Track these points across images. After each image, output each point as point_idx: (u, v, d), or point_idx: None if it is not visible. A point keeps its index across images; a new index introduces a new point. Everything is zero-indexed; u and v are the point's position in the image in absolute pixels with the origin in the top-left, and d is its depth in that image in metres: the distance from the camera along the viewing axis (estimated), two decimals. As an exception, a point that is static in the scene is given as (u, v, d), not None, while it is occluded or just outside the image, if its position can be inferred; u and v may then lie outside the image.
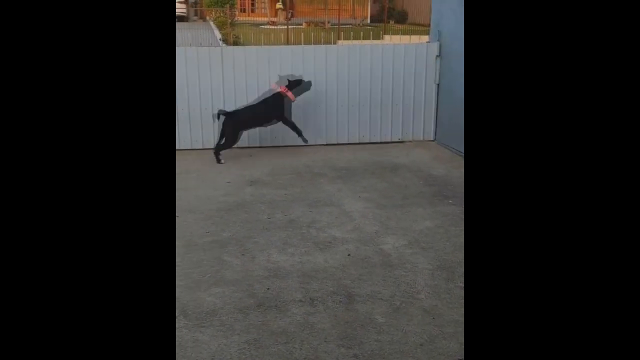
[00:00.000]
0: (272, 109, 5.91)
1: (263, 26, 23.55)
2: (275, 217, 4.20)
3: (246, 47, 6.22)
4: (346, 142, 6.56)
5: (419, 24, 23.77)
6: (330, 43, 17.77)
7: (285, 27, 19.79)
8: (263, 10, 28.15)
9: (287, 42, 17.50)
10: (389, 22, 23.92)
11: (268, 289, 3.09)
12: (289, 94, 5.92)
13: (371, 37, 11.50)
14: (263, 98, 6.00)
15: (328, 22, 24.29)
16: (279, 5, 25.54)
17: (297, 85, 5.98)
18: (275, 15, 25.79)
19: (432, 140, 6.64)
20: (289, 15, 23.44)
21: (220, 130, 5.84)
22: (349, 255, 3.54)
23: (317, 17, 25.08)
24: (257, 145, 6.44)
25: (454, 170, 5.47)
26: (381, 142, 6.60)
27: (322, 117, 6.47)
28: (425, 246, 3.66)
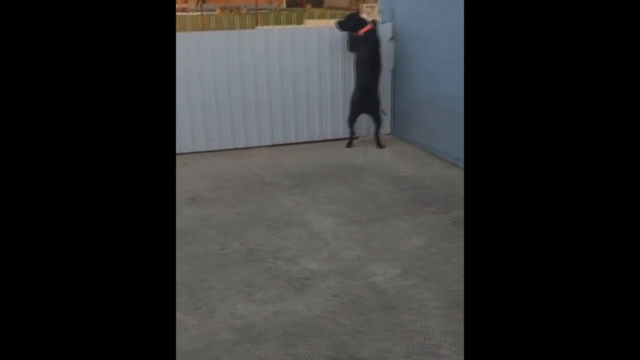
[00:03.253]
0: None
1: (175, 13, 22.09)
2: (230, 248, 3.36)
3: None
4: (294, 141, 5.76)
5: (336, 8, 23.29)
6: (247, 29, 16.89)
7: (199, 13, 18.60)
8: (173, -4, 26.57)
9: (203, 29, 16.34)
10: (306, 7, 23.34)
11: (241, 361, 2.28)
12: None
13: (294, 22, 10.79)
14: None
15: (244, 7, 23.31)
16: (189, -10, 24.23)
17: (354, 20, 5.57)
18: (186, 2, 24.48)
19: (389, 134, 5.97)
20: (200, 0, 22.31)
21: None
22: (335, 296, 2.78)
23: (230, 2, 23.98)
24: (190, 150, 5.50)
25: (423, 169, 4.82)
26: (333, 140, 5.85)
27: (266, 113, 5.62)
28: (424, 274, 2.97)
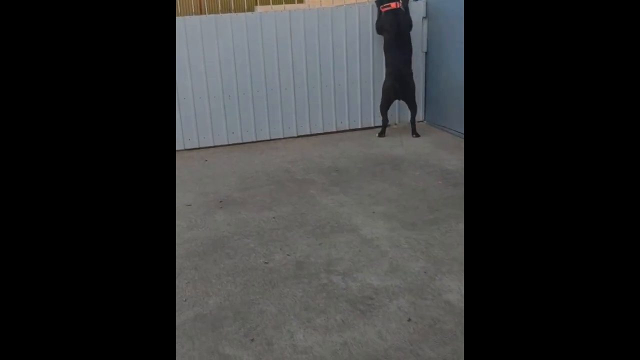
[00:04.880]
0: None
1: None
2: (274, 260, 2.96)
3: (199, 17, 4.80)
4: (321, 131, 5.34)
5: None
6: (245, 10, 16.33)
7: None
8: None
9: (201, 11, 15.75)
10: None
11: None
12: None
13: (295, 1, 10.25)
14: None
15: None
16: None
17: None
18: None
19: (422, 121, 5.54)
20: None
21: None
22: (409, 320, 2.39)
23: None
24: (210, 144, 5.08)
25: (469, 160, 4.41)
26: (363, 129, 5.43)
27: (291, 102, 5.19)
28: (504, 289, 2.57)
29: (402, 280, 2.69)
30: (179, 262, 2.99)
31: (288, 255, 3.00)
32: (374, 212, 3.51)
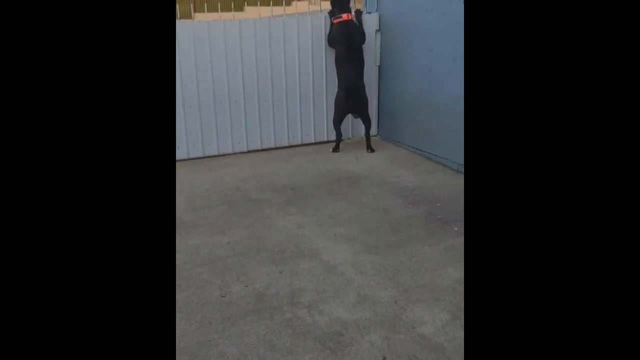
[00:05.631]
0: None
1: None
2: (232, 292, 2.71)
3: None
4: (273, 146, 5.12)
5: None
6: (187, 17, 15.82)
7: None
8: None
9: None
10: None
11: None
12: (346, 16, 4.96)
13: (232, 8, 9.93)
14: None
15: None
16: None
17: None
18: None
19: (375, 136, 5.43)
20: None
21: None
22: (384, 359, 2.21)
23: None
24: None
25: (427, 177, 4.32)
26: (316, 143, 5.26)
27: (241, 115, 4.94)
28: (479, 318, 2.44)
29: (372, 312, 2.51)
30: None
31: (246, 286, 2.76)
32: (335, 235, 3.33)
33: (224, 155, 4.96)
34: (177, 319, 2.47)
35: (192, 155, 4.87)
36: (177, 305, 2.58)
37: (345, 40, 4.85)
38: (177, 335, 2.35)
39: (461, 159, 4.16)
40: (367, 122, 5.01)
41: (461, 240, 3.21)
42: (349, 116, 5.10)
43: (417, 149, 4.88)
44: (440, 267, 2.91)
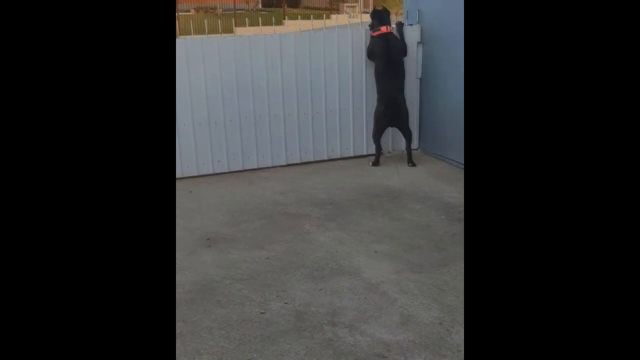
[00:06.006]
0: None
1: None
2: (271, 310, 2.65)
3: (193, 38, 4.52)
4: (312, 159, 5.08)
5: (314, 8, 22.59)
6: (229, 31, 16.05)
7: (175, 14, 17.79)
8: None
9: (180, 32, 15.40)
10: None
11: None
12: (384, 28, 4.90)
13: (273, 22, 10.06)
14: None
15: (220, 8, 22.65)
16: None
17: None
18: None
19: (416, 149, 5.32)
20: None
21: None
22: (429, 384, 2.10)
23: (204, 2, 23.21)
24: (194, 174, 4.77)
25: (470, 192, 4.18)
26: (355, 157, 5.18)
27: (280, 129, 4.92)
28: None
29: (415, 334, 2.41)
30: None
31: (286, 303, 2.70)
32: (376, 252, 3.24)
33: (262, 168, 4.94)
34: (217, 339, 2.42)
35: (232, 169, 4.86)
36: (215, 324, 2.54)
37: (385, 54, 4.79)
38: (216, 354, 2.31)
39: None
40: (408, 136, 4.91)
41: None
42: (389, 129, 5.02)
43: (460, 163, 4.75)
44: (487, 288, 2.78)
